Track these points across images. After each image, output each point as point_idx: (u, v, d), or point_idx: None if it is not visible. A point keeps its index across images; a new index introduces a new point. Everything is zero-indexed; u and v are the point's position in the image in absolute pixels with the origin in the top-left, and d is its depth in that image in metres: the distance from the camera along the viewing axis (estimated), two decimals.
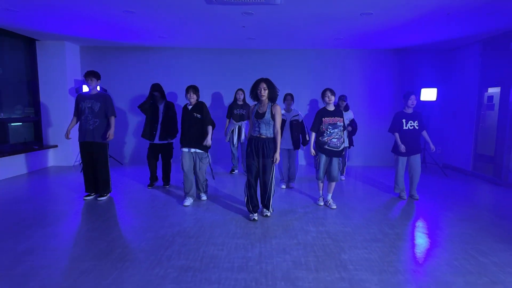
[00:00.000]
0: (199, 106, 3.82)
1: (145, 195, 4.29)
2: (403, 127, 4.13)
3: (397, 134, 4.16)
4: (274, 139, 3.34)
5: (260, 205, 3.55)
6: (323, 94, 3.73)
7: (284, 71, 6.62)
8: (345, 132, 4.94)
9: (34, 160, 5.87)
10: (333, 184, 3.85)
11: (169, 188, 4.68)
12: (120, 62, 6.59)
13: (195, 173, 3.91)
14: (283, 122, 4.40)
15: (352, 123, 5.12)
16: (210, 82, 6.64)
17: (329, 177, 3.80)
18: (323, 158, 3.74)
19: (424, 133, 4.18)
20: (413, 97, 4.07)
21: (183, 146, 3.82)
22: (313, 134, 3.78)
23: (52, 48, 6.06)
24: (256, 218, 3.36)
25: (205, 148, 3.84)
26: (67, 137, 3.99)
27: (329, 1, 3.80)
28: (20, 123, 5.76)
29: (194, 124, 3.76)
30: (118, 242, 2.81)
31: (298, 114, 4.51)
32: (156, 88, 4.44)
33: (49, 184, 4.84)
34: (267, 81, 3.26)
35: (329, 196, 3.89)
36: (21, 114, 5.77)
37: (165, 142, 4.54)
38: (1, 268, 2.35)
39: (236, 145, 5.47)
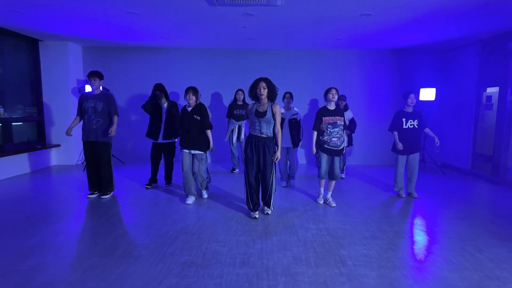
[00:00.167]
0: (199, 108, 3.86)
1: (147, 194, 4.35)
2: (403, 126, 4.18)
3: (396, 133, 4.22)
4: (274, 138, 3.41)
5: (261, 203, 3.60)
6: (328, 91, 3.74)
7: (284, 71, 6.68)
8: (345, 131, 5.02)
9: (37, 159, 5.93)
10: (334, 182, 3.91)
11: (171, 187, 4.74)
12: (121, 62, 6.66)
13: (194, 173, 3.94)
14: (282, 120, 4.47)
15: (351, 122, 5.19)
16: (210, 82, 6.70)
17: (330, 175, 3.85)
18: (325, 157, 3.78)
19: (427, 130, 4.24)
20: (412, 96, 4.13)
21: (183, 147, 3.87)
22: (314, 133, 3.83)
23: (55, 48, 6.12)
24: (257, 216, 3.42)
25: (205, 149, 3.89)
26: (68, 134, 4.03)
27: (329, 2, 3.86)
28: (21, 123, 5.81)
29: (194, 126, 3.80)
30: (122, 238, 2.87)
31: (297, 113, 4.58)
32: (159, 87, 4.49)
33: (53, 183, 4.91)
34: (267, 80, 3.29)
35: (329, 194, 3.95)
36: (22, 113, 5.83)
37: (169, 141, 4.60)
38: (10, 263, 2.41)
39: (235, 145, 5.54)
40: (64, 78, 6.21)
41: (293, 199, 4.17)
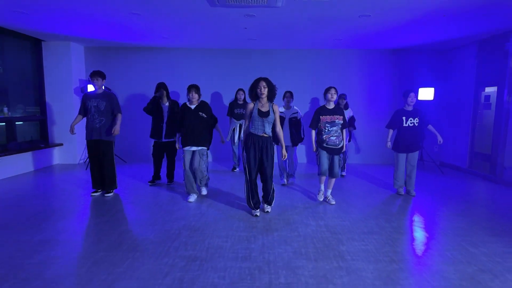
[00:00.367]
0: (204, 105, 3.93)
1: (149, 192, 4.43)
2: (403, 124, 4.25)
3: (390, 131, 4.32)
4: (275, 137, 3.48)
5: (261, 202, 3.67)
6: (327, 91, 3.80)
7: (285, 71, 6.76)
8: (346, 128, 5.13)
9: (40, 158, 6.01)
10: (333, 180, 3.98)
11: (173, 185, 4.83)
12: (123, 62, 6.73)
13: (194, 170, 3.97)
14: (282, 119, 4.55)
15: (351, 119, 5.32)
16: (210, 82, 6.78)
17: (330, 173, 3.92)
18: (325, 154, 3.84)
19: (430, 127, 4.31)
20: (412, 94, 4.20)
21: (186, 145, 3.91)
22: (313, 131, 3.91)
23: (57, 48, 6.20)
24: (258, 214, 3.50)
25: (207, 145, 3.96)
26: (71, 132, 4.09)
27: (329, 4, 3.94)
28: (21, 122, 5.87)
29: (199, 123, 3.87)
30: (127, 234, 2.95)
31: (297, 112, 4.66)
32: (162, 86, 4.59)
33: (57, 181, 4.99)
34: (267, 80, 3.34)
35: (329, 192, 4.03)
36: (22, 113, 5.89)
37: (171, 140, 4.68)
38: (19, 258, 2.49)
39: (236, 144, 5.62)
40: (67, 78, 6.29)
41: (293, 196, 4.26)
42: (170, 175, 4.89)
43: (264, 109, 3.36)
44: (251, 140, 3.41)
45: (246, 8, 4.12)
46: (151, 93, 6.60)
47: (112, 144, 4.18)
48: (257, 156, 3.41)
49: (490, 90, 5.74)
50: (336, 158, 3.84)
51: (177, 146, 4.08)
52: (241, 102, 5.52)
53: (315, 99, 6.84)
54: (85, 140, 4.19)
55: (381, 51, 6.74)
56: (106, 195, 4.18)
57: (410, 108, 4.27)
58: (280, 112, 4.62)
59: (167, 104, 4.65)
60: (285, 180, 4.89)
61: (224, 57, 6.76)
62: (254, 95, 3.37)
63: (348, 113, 5.31)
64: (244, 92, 5.55)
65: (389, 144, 4.31)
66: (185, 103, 3.97)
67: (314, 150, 3.92)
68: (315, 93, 6.80)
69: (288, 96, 4.64)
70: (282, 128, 4.49)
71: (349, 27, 4.97)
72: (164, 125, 4.62)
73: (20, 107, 5.89)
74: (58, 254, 2.56)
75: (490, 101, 5.74)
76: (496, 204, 4.03)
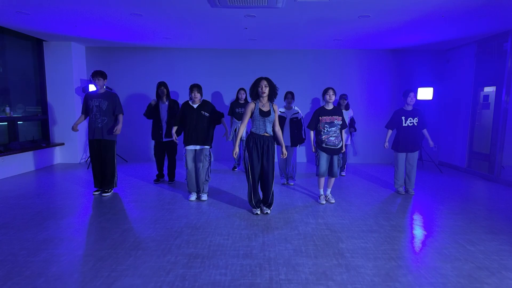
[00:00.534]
0: (206, 104, 3.96)
1: (151, 191, 4.47)
2: (402, 124, 4.29)
3: (389, 131, 4.36)
4: (275, 136, 3.52)
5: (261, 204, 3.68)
6: (325, 92, 3.83)
7: (285, 71, 6.79)
8: (347, 129, 5.17)
9: (42, 157, 6.05)
10: (333, 179, 4.00)
11: (174, 183, 4.87)
12: (124, 62, 6.77)
13: (197, 171, 4.00)
14: (284, 119, 4.59)
15: (351, 121, 5.35)
16: (211, 82, 6.82)
17: (329, 172, 3.95)
18: (324, 156, 3.86)
19: (424, 131, 4.35)
20: (412, 94, 4.24)
21: (188, 144, 3.94)
22: (311, 132, 3.94)
23: (59, 48, 6.23)
24: (258, 212, 3.53)
25: (210, 144, 4.00)
26: (74, 129, 4.11)
27: (328, 5, 3.98)
28: (21, 122, 5.90)
29: (202, 122, 3.90)
30: (130, 232, 2.99)
31: (298, 112, 4.69)
32: (162, 84, 4.68)
33: (58, 181, 5.03)
34: (268, 79, 3.38)
35: (329, 191, 4.06)
36: (23, 112, 5.92)
37: (171, 139, 4.73)
38: (23, 255, 2.53)
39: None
40: (68, 78, 6.32)
41: (293, 196, 4.30)
42: (171, 174, 4.93)
43: (265, 109, 3.40)
44: (252, 140, 3.44)
45: (246, 9, 4.15)
46: (152, 93, 6.65)
47: (114, 144, 4.22)
48: (259, 155, 3.45)
49: (489, 90, 5.78)
50: (335, 158, 3.87)
51: (174, 138, 4.09)
52: (242, 102, 5.56)
53: (316, 99, 6.88)
54: (87, 140, 4.23)
55: (380, 51, 6.78)
56: (104, 194, 4.21)
57: (409, 108, 4.31)
58: (281, 112, 4.65)
59: (166, 103, 4.69)
60: (285, 180, 4.92)
61: (224, 57, 6.80)
62: (255, 93, 3.40)
63: (349, 114, 5.34)
64: (245, 91, 5.59)
65: (386, 144, 4.36)
66: (187, 101, 3.99)
67: (314, 150, 3.96)
68: (315, 93, 6.85)
69: (289, 96, 4.67)
70: (283, 128, 4.56)
71: (348, 27, 5.01)
72: (165, 124, 4.67)
73: (20, 106, 5.91)
74: (62, 251, 2.60)
75: (489, 101, 5.78)
76: (494, 203, 4.08)
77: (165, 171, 5.18)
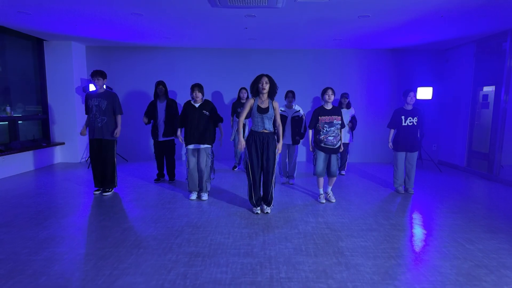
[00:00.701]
0: (208, 104, 3.98)
1: (152, 190, 4.49)
2: (402, 123, 4.31)
3: (392, 131, 4.38)
4: (276, 133, 3.54)
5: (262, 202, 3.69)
6: (324, 92, 3.84)
7: (285, 70, 6.81)
8: (346, 127, 5.19)
9: (42, 157, 6.06)
10: (334, 178, 4.00)
11: (174, 183, 4.89)
12: (124, 62, 6.78)
13: (200, 170, 4.01)
14: (285, 118, 4.60)
15: (353, 119, 5.37)
16: (211, 81, 6.83)
17: (328, 173, 3.97)
18: (322, 155, 3.87)
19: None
20: (412, 94, 4.26)
21: (189, 143, 3.94)
22: (310, 131, 3.96)
23: (59, 48, 6.24)
24: (259, 211, 3.55)
25: (212, 143, 4.01)
26: (83, 133, 4.18)
27: (328, 5, 3.99)
28: (21, 121, 5.91)
29: (203, 121, 3.91)
30: (131, 231, 3.01)
31: (299, 110, 4.70)
32: (161, 83, 4.71)
33: (59, 180, 5.04)
34: (268, 76, 3.40)
35: (329, 189, 4.07)
36: (22, 112, 5.93)
37: (168, 139, 4.76)
38: (25, 254, 2.55)
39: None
40: (68, 77, 6.33)
41: (293, 195, 4.32)
42: (171, 173, 4.96)
43: (263, 106, 3.40)
44: (252, 137, 3.46)
45: (246, 9, 4.17)
46: (152, 92, 6.65)
47: (114, 143, 4.23)
48: (258, 153, 3.46)
49: (488, 89, 5.80)
50: (334, 157, 3.88)
51: (180, 139, 4.07)
52: (244, 101, 5.56)
53: (317, 98, 6.90)
54: (87, 139, 4.24)
55: (379, 51, 6.79)
56: (104, 193, 4.22)
57: (409, 107, 4.32)
58: (282, 111, 4.66)
59: (164, 103, 4.71)
60: (286, 179, 4.94)
61: (224, 57, 6.81)
62: (255, 90, 3.42)
63: (350, 112, 5.36)
64: (246, 90, 5.60)
65: (390, 144, 4.39)
66: (189, 101, 4.00)
67: (311, 150, 3.98)
68: (315, 92, 6.86)
69: (290, 95, 4.68)
70: (284, 127, 4.56)
71: (348, 27, 5.03)
72: (162, 123, 4.69)
73: (20, 106, 5.92)
74: (63, 250, 2.62)
75: (488, 100, 5.80)
76: (493, 202, 4.10)
77: (166, 170, 5.19)
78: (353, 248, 2.70)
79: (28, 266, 2.37)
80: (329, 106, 3.86)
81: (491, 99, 5.70)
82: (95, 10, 4.32)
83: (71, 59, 6.28)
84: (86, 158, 6.64)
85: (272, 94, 3.43)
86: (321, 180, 3.99)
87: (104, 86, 4.20)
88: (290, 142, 4.68)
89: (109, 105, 4.09)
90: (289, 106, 4.72)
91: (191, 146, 3.96)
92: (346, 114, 5.27)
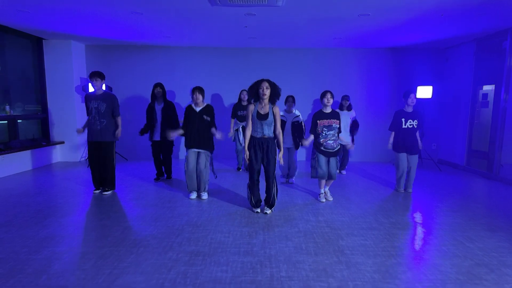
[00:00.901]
0: (208, 109, 3.95)
1: (151, 189, 4.48)
2: (402, 125, 4.30)
3: (392, 133, 4.38)
4: (276, 139, 3.49)
5: (263, 203, 3.68)
6: (323, 96, 3.80)
7: (285, 70, 6.80)
8: (347, 130, 5.17)
9: (42, 156, 6.05)
10: (331, 180, 4.01)
11: (172, 181, 4.90)
12: (124, 61, 6.77)
13: (199, 171, 3.97)
14: (284, 123, 4.58)
15: (354, 123, 5.33)
16: (211, 80, 6.82)
17: (328, 175, 3.96)
18: (323, 158, 3.86)
19: (416, 134, 4.37)
20: (412, 95, 4.24)
21: (190, 147, 3.91)
22: (311, 136, 3.93)
23: (58, 47, 6.23)
24: (258, 211, 3.55)
25: (211, 149, 4.01)
26: (79, 131, 4.17)
27: (328, 3, 3.98)
28: (21, 120, 5.90)
29: (203, 126, 3.89)
30: (131, 230, 3.01)
31: (298, 116, 4.69)
32: (159, 85, 4.74)
33: (59, 179, 5.03)
34: (269, 81, 3.31)
35: (327, 188, 4.06)
36: (21, 111, 5.91)
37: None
38: (24, 253, 2.55)
39: (242, 144, 5.68)
40: (68, 76, 6.32)
41: (293, 194, 4.32)
42: (168, 172, 5.04)
43: (263, 112, 3.33)
44: (252, 143, 3.42)
45: (246, 7, 4.16)
46: (151, 93, 6.63)
47: (113, 144, 4.21)
48: (258, 157, 3.42)
49: (488, 88, 5.80)
50: (333, 160, 3.87)
51: (171, 135, 3.94)
52: (245, 103, 5.53)
53: (317, 100, 6.88)
54: (86, 141, 4.24)
55: (379, 50, 6.78)
56: (104, 193, 4.22)
57: (410, 110, 4.31)
58: (282, 116, 4.62)
59: (161, 105, 4.72)
60: (286, 179, 4.94)
61: (225, 56, 6.80)
62: (255, 94, 3.32)
63: (351, 114, 5.32)
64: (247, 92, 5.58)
65: (390, 145, 4.38)
66: (190, 105, 3.97)
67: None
68: (314, 92, 6.84)
69: (290, 100, 4.67)
70: (283, 131, 4.54)
71: (348, 26, 5.02)
72: (158, 125, 4.71)
73: (19, 105, 5.91)
74: (63, 249, 2.62)
75: (488, 99, 5.80)
76: (492, 201, 4.10)
77: (164, 169, 5.21)
78: (353, 247, 2.70)
79: (28, 265, 2.36)
80: (328, 110, 3.84)
81: (491, 98, 5.70)
82: (95, 9, 4.30)
83: (71, 58, 6.27)
84: (86, 157, 6.63)
85: (274, 99, 3.34)
86: (323, 180, 3.98)
87: (104, 86, 4.19)
88: (291, 146, 4.68)
89: (108, 108, 4.07)
90: (289, 111, 4.71)
91: (191, 150, 3.94)
92: (347, 117, 5.24)
